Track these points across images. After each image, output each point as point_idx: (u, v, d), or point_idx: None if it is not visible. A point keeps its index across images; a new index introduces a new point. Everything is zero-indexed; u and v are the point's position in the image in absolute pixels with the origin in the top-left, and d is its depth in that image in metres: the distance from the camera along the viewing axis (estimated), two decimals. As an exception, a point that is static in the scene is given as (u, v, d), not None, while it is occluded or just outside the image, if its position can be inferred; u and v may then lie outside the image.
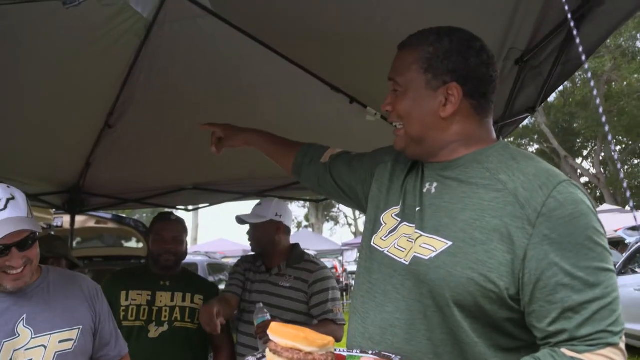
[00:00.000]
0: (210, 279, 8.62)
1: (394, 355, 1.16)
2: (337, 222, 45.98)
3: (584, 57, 1.05)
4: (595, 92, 1.03)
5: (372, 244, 1.42)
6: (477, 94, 1.29)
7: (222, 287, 10.07)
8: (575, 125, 27.44)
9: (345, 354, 1.19)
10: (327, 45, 2.62)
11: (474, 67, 1.28)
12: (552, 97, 26.32)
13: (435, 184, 1.32)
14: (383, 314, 1.31)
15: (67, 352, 1.82)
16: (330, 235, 42.99)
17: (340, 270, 19.39)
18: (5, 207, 1.68)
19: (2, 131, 3.13)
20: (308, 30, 2.54)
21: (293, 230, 3.24)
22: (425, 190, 1.33)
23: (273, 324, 1.09)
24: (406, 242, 1.31)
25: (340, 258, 23.29)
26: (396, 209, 1.40)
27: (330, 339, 1.07)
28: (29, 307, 1.80)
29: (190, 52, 2.90)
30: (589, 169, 28.67)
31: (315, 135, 3.48)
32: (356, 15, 2.30)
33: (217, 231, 67.45)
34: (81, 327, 1.88)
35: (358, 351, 1.21)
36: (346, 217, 44.86)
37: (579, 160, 29.61)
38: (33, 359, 1.75)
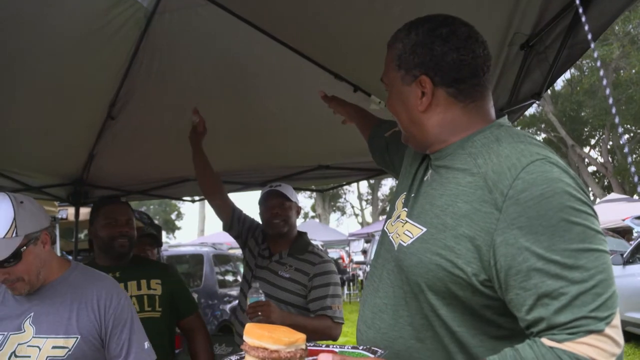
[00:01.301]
0: (216, 269, 8.65)
1: (379, 350, 1.18)
2: (343, 213, 46.02)
3: (590, 36, 1.01)
4: (604, 81, 0.99)
5: (384, 227, 1.46)
6: (450, 81, 1.26)
7: (228, 278, 10.03)
8: (582, 113, 27.24)
9: (337, 350, 1.21)
10: (330, 33, 2.60)
11: (441, 55, 1.25)
12: (559, 85, 26.21)
13: (430, 172, 1.33)
14: (376, 299, 1.36)
15: (59, 359, 1.82)
16: (337, 226, 43.04)
17: (347, 260, 19.45)
18: None
19: (4, 124, 3.12)
20: (310, 18, 2.52)
21: (300, 220, 3.23)
22: (425, 178, 1.35)
23: (247, 325, 1.11)
24: (401, 228, 1.33)
25: (347, 248, 23.33)
26: (404, 195, 1.42)
27: (301, 335, 1.08)
28: (38, 306, 1.85)
29: (191, 41, 2.87)
30: (596, 158, 28.51)
31: (318, 123, 3.48)
32: (358, 1, 2.27)
33: (223, 223, 67.54)
34: (79, 337, 1.86)
35: (349, 347, 1.23)
36: (353, 207, 44.91)
37: (586, 149, 29.45)
38: (30, 356, 1.80)
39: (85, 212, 5.29)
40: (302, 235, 3.00)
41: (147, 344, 1.99)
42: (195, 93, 3.23)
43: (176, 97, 3.27)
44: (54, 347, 1.82)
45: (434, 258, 1.17)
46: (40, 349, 1.81)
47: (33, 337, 1.81)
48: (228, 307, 8.02)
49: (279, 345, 1.04)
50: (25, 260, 1.77)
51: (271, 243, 2.96)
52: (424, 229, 1.22)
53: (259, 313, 2.45)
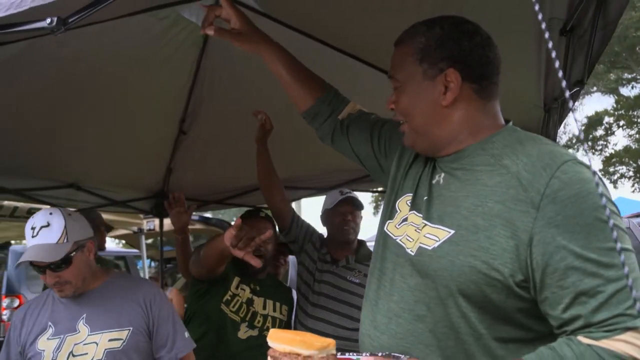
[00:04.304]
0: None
1: (402, 356, 1.15)
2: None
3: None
4: None
5: (385, 229, 1.43)
6: (476, 76, 1.27)
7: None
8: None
9: (354, 357, 1.16)
10: (380, 30, 2.59)
11: (469, 50, 1.26)
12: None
13: (443, 175, 1.31)
14: (390, 303, 1.31)
15: (116, 350, 2.03)
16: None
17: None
18: (37, 234, 1.95)
19: (89, 146, 3.39)
20: (365, 21, 2.52)
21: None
22: (434, 181, 1.33)
23: (271, 330, 1.10)
24: (414, 232, 1.30)
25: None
26: (409, 197, 1.39)
27: (331, 341, 1.06)
28: (89, 307, 2.06)
29: (249, 54, 2.97)
30: None
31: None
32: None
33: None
34: (131, 328, 2.07)
35: (367, 354, 1.18)
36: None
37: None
38: (88, 352, 2.00)
39: (169, 222, 5.58)
40: (363, 243, 3.02)
41: (186, 334, 2.21)
42: (258, 103, 3.35)
43: (240, 108, 3.39)
44: (110, 340, 2.02)
45: (467, 260, 1.15)
46: (97, 344, 2.01)
47: (88, 335, 2.01)
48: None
49: (311, 351, 1.02)
50: (74, 265, 1.99)
51: (332, 249, 2.95)
52: (452, 231, 1.20)
53: None
